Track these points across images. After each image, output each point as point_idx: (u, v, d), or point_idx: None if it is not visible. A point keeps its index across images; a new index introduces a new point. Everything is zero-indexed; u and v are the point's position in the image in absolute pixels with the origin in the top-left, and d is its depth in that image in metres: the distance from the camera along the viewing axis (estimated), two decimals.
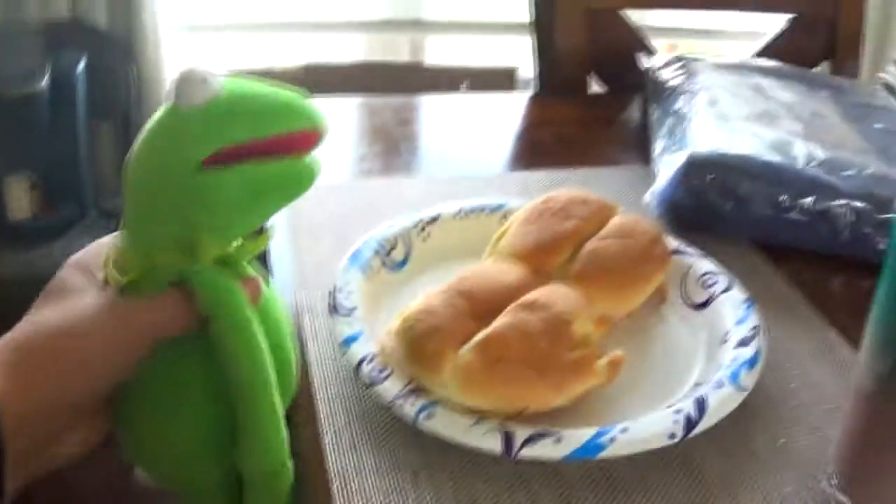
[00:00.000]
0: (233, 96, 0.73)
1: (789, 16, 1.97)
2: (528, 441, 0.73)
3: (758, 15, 2.08)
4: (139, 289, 0.72)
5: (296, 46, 3.25)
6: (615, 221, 0.98)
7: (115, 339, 0.71)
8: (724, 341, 0.90)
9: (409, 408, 0.76)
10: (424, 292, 0.85)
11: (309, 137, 0.75)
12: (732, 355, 0.86)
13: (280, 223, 1.10)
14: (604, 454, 0.74)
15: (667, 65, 1.48)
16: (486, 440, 0.74)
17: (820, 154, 1.18)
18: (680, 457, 0.80)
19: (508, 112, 1.62)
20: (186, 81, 0.72)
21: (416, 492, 0.75)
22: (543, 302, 0.81)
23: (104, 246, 0.76)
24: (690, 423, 0.77)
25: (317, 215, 1.11)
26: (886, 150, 1.27)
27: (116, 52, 2.61)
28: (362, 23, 3.04)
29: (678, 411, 0.78)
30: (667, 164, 1.17)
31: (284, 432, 0.73)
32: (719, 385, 0.81)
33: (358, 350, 0.82)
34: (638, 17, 3.00)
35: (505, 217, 1.03)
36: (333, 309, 0.87)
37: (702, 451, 0.80)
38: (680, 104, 1.32)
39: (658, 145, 1.26)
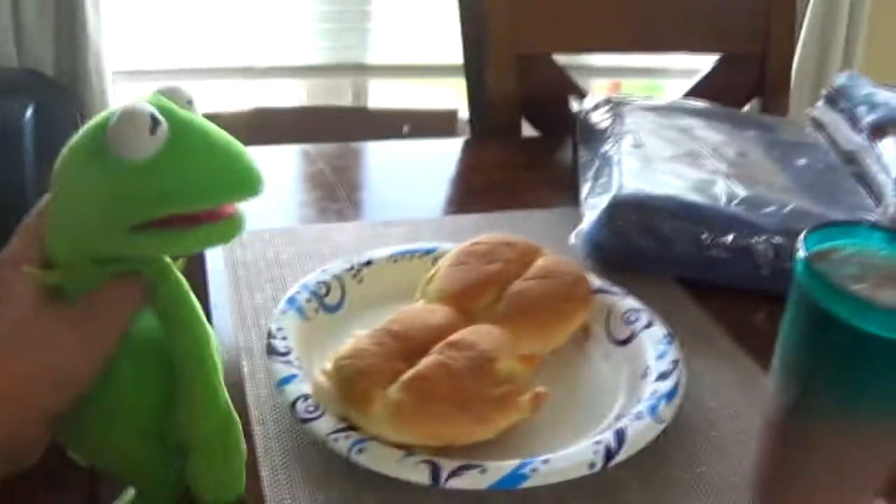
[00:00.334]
0: (177, 156, 0.69)
1: (720, 54, 2.01)
2: (455, 473, 0.76)
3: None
4: (73, 284, 0.73)
5: (243, 91, 3.27)
6: (539, 263, 1.02)
7: (84, 346, 0.73)
8: (645, 375, 0.93)
9: (343, 443, 0.79)
10: (356, 334, 0.89)
11: (244, 201, 0.74)
12: (652, 388, 0.90)
13: (219, 266, 1.13)
14: (526, 484, 0.77)
15: (596, 108, 1.51)
16: (415, 472, 0.77)
17: (741, 192, 1.21)
18: (602, 486, 0.83)
19: (443, 157, 1.65)
20: (128, 128, 0.68)
21: None
22: (469, 341, 0.85)
23: (30, 238, 0.75)
24: (610, 454, 0.80)
25: (257, 260, 1.14)
26: (811, 186, 1.31)
27: (64, 99, 2.62)
28: (308, 67, 3.06)
29: (598, 442, 0.82)
30: (592, 206, 1.20)
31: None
32: (638, 417, 0.85)
33: (293, 390, 0.85)
34: (581, 58, 3.06)
35: (436, 261, 1.07)
36: (270, 351, 0.90)
37: (623, 480, 0.84)
38: (607, 147, 1.35)
39: (585, 187, 1.29)
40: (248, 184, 0.72)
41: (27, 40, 2.58)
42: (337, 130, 2.68)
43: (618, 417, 0.88)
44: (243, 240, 1.16)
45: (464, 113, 2.78)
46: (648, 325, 1.00)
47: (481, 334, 0.87)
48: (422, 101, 3.57)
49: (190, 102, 0.74)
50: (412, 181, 1.49)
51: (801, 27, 3.18)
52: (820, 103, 1.71)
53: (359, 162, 1.59)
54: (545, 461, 0.79)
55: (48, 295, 0.73)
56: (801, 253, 0.69)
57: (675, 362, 0.94)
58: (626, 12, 1.92)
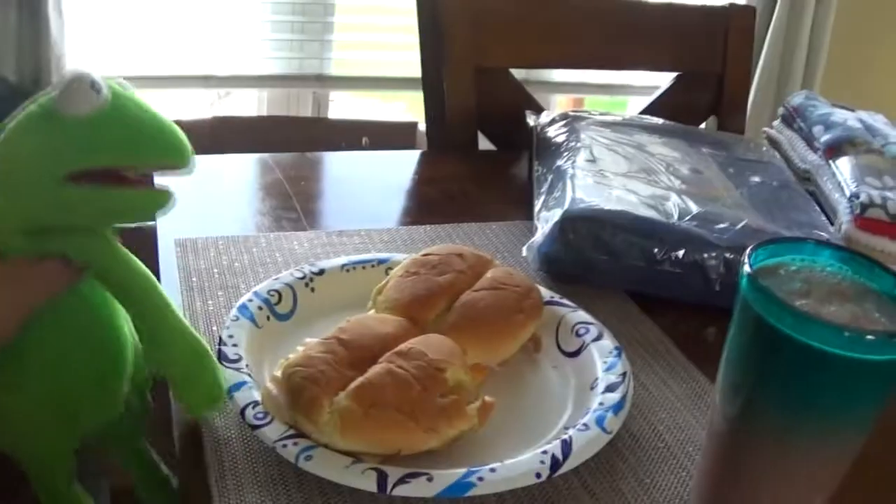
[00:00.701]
0: (116, 115, 0.75)
1: (679, 72, 2.03)
2: (402, 480, 0.77)
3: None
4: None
5: (202, 100, 3.26)
6: (490, 274, 1.03)
7: (10, 299, 0.74)
8: (593, 387, 0.94)
9: (291, 449, 0.79)
10: (307, 342, 0.89)
11: (173, 170, 0.79)
12: (600, 400, 0.91)
13: (173, 274, 1.12)
14: (473, 492, 0.77)
15: (552, 122, 1.52)
16: (362, 480, 0.77)
17: (694, 208, 1.22)
18: (548, 496, 0.83)
19: (400, 169, 1.66)
20: (74, 88, 0.73)
21: None
22: (417, 351, 0.85)
23: None
24: (556, 464, 0.81)
25: (210, 267, 1.14)
26: (765, 203, 1.33)
27: (22, 102, 2.61)
28: (268, 77, 3.05)
29: (545, 452, 0.82)
30: (545, 220, 1.21)
31: None
32: (585, 428, 0.86)
33: (243, 397, 0.85)
34: (544, 73, 3.06)
35: (388, 271, 1.07)
36: (221, 357, 0.90)
37: (570, 490, 0.84)
38: (561, 161, 1.36)
39: (539, 201, 1.30)
40: (177, 151, 0.78)
41: None
42: (296, 141, 2.68)
43: (565, 428, 0.89)
44: (197, 246, 1.16)
45: (423, 126, 2.79)
46: (598, 338, 1.01)
47: (430, 344, 0.87)
48: (382, 113, 3.58)
49: (92, 90, 0.76)
50: (368, 192, 1.50)
51: (762, 46, 3.20)
52: (776, 122, 1.73)
53: (315, 172, 1.59)
54: (492, 470, 0.79)
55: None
56: (747, 268, 0.69)
57: (624, 374, 0.95)
58: (584, 29, 1.93)
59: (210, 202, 1.34)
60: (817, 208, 1.38)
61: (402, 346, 0.86)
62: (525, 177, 1.55)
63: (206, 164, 1.45)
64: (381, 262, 1.11)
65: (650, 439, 0.93)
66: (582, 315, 1.05)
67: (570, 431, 0.86)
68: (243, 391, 0.86)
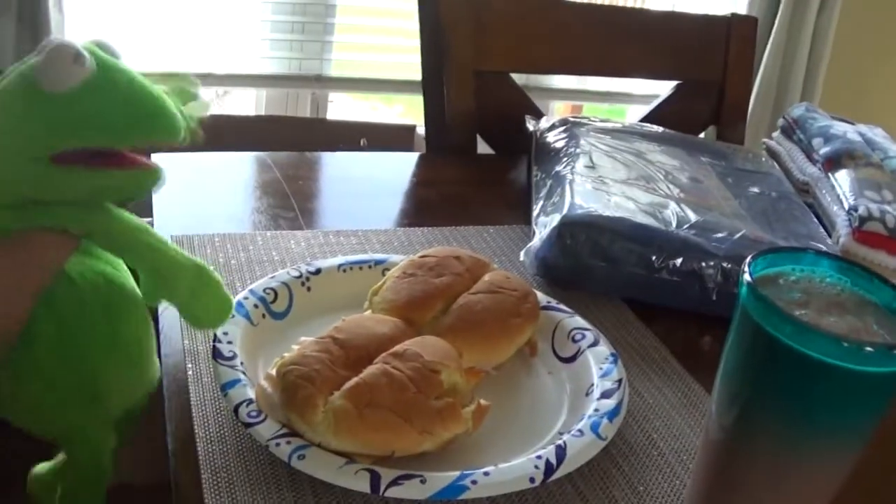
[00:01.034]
0: (100, 91, 0.72)
1: (679, 81, 2.03)
2: (395, 482, 0.76)
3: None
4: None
5: (205, 97, 3.26)
6: (487, 278, 1.02)
7: (17, 278, 0.74)
8: (589, 393, 0.94)
9: (284, 448, 0.79)
10: (302, 341, 0.89)
11: (164, 147, 0.77)
12: (595, 406, 0.91)
13: None
14: (466, 495, 0.77)
15: (552, 128, 1.52)
16: (355, 480, 0.77)
17: (693, 217, 1.22)
18: (542, 501, 0.83)
19: (398, 171, 1.66)
20: (54, 61, 0.70)
21: None
22: (413, 352, 0.85)
23: None
24: (550, 469, 0.81)
25: (207, 264, 1.14)
26: (763, 214, 1.32)
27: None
28: (268, 76, 3.05)
29: (539, 457, 0.82)
30: (543, 225, 1.21)
31: None
32: (580, 434, 0.85)
33: (237, 394, 0.84)
34: (543, 79, 3.07)
35: (385, 272, 1.07)
36: (215, 355, 0.90)
37: (563, 496, 0.84)
38: (560, 167, 1.36)
39: (537, 206, 1.30)
40: (167, 129, 0.76)
41: None
42: (294, 141, 2.67)
43: (560, 433, 0.88)
44: (194, 244, 1.16)
45: (422, 129, 2.79)
46: (594, 344, 1.01)
47: (426, 346, 0.87)
48: (380, 117, 3.58)
49: (115, 56, 0.77)
50: (366, 193, 1.49)
51: (762, 56, 3.20)
52: (776, 133, 1.73)
53: (314, 172, 1.59)
54: (486, 473, 0.79)
55: None
56: (747, 276, 0.69)
57: (619, 381, 0.94)
58: (585, 35, 1.93)
59: (207, 199, 1.33)
60: (815, 220, 1.38)
61: (398, 348, 0.86)
62: (523, 181, 1.55)
63: (204, 162, 1.46)
64: (377, 262, 1.11)
65: (644, 447, 0.93)
66: (578, 321, 1.05)
67: (565, 437, 0.85)
68: (237, 389, 0.85)
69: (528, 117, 1.63)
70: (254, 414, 0.82)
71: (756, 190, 1.43)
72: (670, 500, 0.86)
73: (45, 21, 2.53)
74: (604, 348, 1.00)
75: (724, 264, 1.15)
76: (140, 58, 2.82)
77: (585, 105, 3.63)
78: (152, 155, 0.84)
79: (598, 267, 1.16)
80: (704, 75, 2.04)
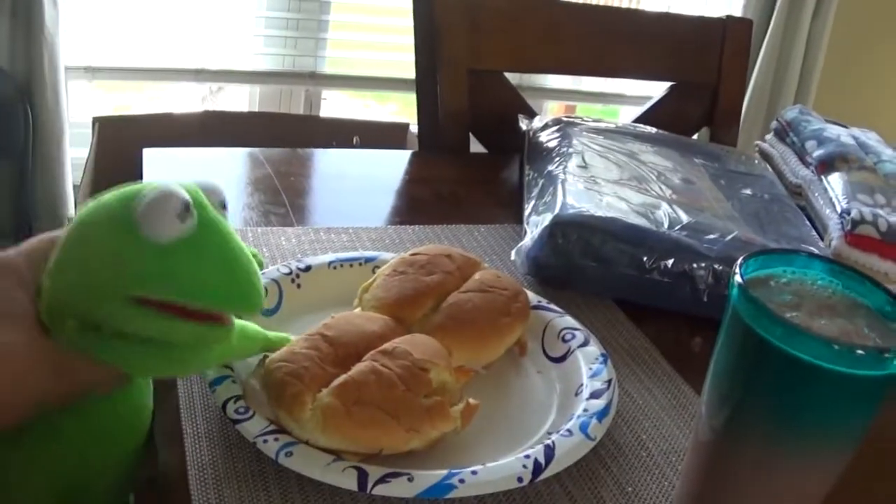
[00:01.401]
0: (195, 252, 0.73)
1: (673, 82, 2.03)
2: (382, 480, 0.76)
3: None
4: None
5: (195, 94, 3.26)
6: (478, 276, 1.02)
7: (54, 389, 0.74)
8: (578, 393, 0.94)
9: (272, 445, 0.79)
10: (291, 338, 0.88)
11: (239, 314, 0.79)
12: (584, 406, 0.90)
13: None
14: (454, 494, 0.77)
15: (544, 127, 1.52)
16: (342, 478, 0.76)
17: (685, 218, 1.22)
18: (530, 501, 0.83)
19: (390, 168, 1.66)
20: (162, 211, 0.70)
21: None
22: (402, 350, 0.85)
23: (37, 254, 0.77)
24: (538, 469, 0.80)
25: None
26: (756, 216, 1.32)
27: (14, 92, 2.60)
28: (261, 73, 3.05)
29: (527, 456, 0.81)
30: (534, 224, 1.20)
31: None
32: (569, 434, 0.85)
33: (225, 391, 0.84)
34: (537, 78, 3.07)
35: (375, 269, 1.06)
36: None
37: (551, 496, 0.84)
38: (552, 166, 1.36)
39: (529, 205, 1.30)
40: (248, 301, 0.77)
41: None
42: (287, 138, 2.68)
43: (549, 433, 0.88)
44: None
45: (415, 127, 2.80)
46: (584, 344, 1.00)
47: (416, 344, 0.87)
48: (373, 114, 3.58)
49: (223, 205, 0.78)
50: (357, 190, 1.49)
51: (756, 59, 3.20)
52: (769, 136, 1.73)
53: (305, 168, 1.59)
54: (474, 472, 0.79)
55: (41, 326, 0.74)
56: (738, 278, 0.69)
57: (609, 382, 0.94)
58: (580, 34, 1.93)
59: None
60: (808, 223, 1.38)
61: (387, 345, 0.86)
62: (516, 180, 1.55)
63: (195, 157, 1.46)
64: (368, 260, 1.11)
65: (633, 447, 0.92)
66: (569, 321, 1.05)
67: (554, 437, 0.85)
68: (225, 385, 0.85)
69: (521, 116, 1.63)
70: (242, 410, 0.82)
71: (748, 192, 1.43)
72: (659, 502, 0.85)
73: (39, 16, 2.53)
74: (594, 348, 1.00)
75: (716, 266, 1.15)
76: (133, 53, 2.83)
77: (579, 105, 3.64)
78: None
79: (589, 267, 1.16)
80: (698, 77, 2.04)
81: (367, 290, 1.00)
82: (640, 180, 1.34)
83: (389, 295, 0.97)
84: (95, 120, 2.55)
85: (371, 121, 2.96)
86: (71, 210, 2.71)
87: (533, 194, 1.32)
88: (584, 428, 0.86)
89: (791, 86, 3.27)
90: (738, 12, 3.18)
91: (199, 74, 2.96)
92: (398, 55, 3.11)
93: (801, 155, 1.60)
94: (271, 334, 0.88)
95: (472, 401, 0.85)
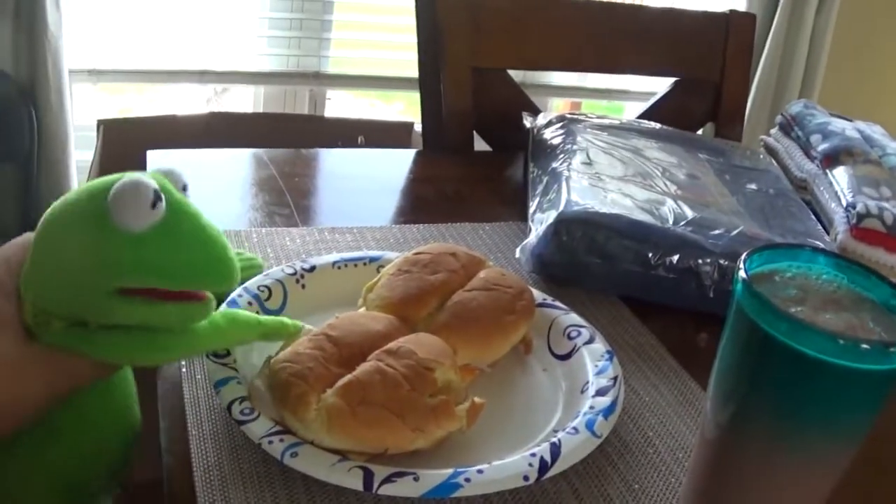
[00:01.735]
0: (169, 235, 0.74)
1: (677, 78, 2.02)
2: (388, 479, 0.76)
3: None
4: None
5: (200, 95, 3.26)
6: (482, 275, 1.02)
7: (45, 389, 0.75)
8: (584, 391, 0.93)
9: (277, 445, 0.79)
10: (295, 338, 0.88)
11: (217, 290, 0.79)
12: (590, 404, 0.90)
13: None
14: (460, 493, 0.77)
15: (549, 124, 1.51)
16: (348, 478, 0.76)
17: (690, 214, 1.22)
18: (536, 499, 0.83)
19: (395, 167, 1.65)
20: (134, 202, 0.71)
21: None
22: (407, 349, 0.84)
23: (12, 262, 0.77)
24: (544, 467, 0.80)
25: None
26: (761, 211, 1.32)
27: (18, 95, 2.60)
28: (265, 73, 3.05)
29: (533, 455, 0.81)
30: (539, 222, 1.20)
31: None
32: (575, 432, 0.85)
33: (230, 392, 0.84)
34: (541, 76, 3.07)
35: (380, 269, 1.06)
36: (208, 353, 0.89)
37: (557, 494, 0.84)
38: (557, 163, 1.35)
39: (533, 203, 1.30)
40: (226, 277, 0.78)
41: None
42: (292, 138, 2.68)
43: (555, 431, 0.88)
44: None
45: (420, 126, 2.79)
46: (589, 341, 1.00)
47: (420, 343, 0.87)
48: (379, 114, 3.58)
49: (185, 188, 0.79)
50: (362, 190, 1.49)
51: (761, 54, 3.20)
52: (774, 130, 1.72)
53: (310, 168, 1.59)
54: (479, 471, 0.78)
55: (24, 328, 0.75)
56: (742, 273, 0.68)
57: (615, 379, 0.94)
58: (583, 31, 1.92)
59: (202, 196, 1.32)
60: (813, 217, 1.38)
61: (392, 345, 0.85)
62: (520, 178, 1.55)
63: (200, 158, 1.45)
64: (372, 260, 1.11)
65: (640, 444, 0.92)
66: (574, 318, 1.04)
67: (560, 434, 0.85)
68: (231, 386, 0.85)
69: (525, 114, 1.63)
70: (247, 411, 0.82)
71: (753, 187, 1.42)
72: (666, 498, 0.85)
73: (42, 19, 2.53)
74: (599, 345, 0.99)
75: (721, 261, 1.15)
76: (137, 56, 2.83)
77: (584, 102, 3.63)
78: None
79: (594, 264, 1.15)
80: (702, 72, 2.04)
81: (371, 289, 1.00)
82: (645, 176, 1.34)
83: (394, 294, 0.97)
84: (100, 122, 2.55)
85: (376, 120, 2.96)
86: None
87: (537, 192, 1.31)
88: (590, 425, 0.86)
89: (796, 81, 3.26)
90: (741, 8, 3.18)
91: (203, 76, 2.96)
92: (402, 54, 3.11)
93: (806, 149, 1.59)
94: (265, 318, 0.90)
95: (477, 399, 0.85)
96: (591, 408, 0.89)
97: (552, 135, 1.47)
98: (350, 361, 0.84)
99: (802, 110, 1.69)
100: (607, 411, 0.88)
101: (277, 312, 1.00)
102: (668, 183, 1.33)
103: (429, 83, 1.80)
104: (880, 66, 3.54)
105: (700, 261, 1.15)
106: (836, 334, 0.62)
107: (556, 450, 0.82)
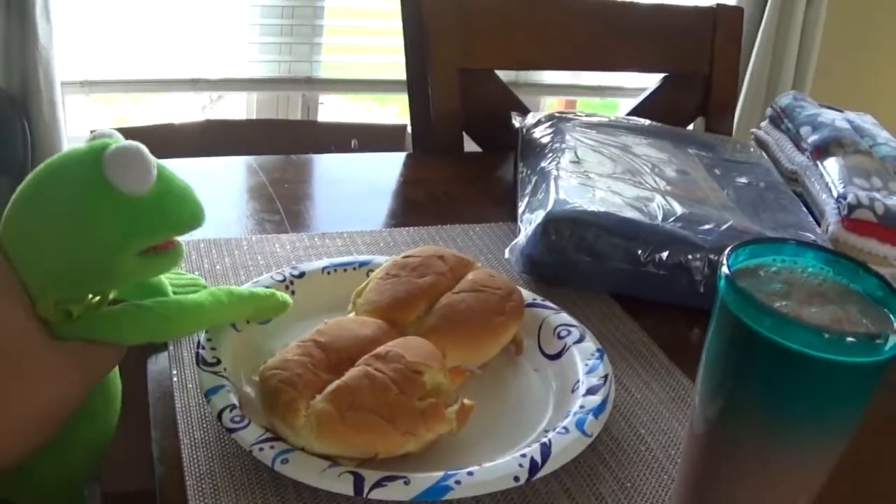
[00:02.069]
0: (166, 190, 0.79)
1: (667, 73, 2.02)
2: (378, 484, 0.76)
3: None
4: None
5: (194, 103, 3.26)
6: (470, 276, 1.02)
7: (80, 380, 0.78)
8: (574, 390, 0.93)
9: (268, 452, 0.79)
10: (285, 345, 0.88)
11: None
12: (580, 403, 0.90)
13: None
14: (451, 495, 0.77)
15: (537, 123, 1.51)
16: (339, 483, 0.76)
17: (679, 210, 1.22)
18: (527, 499, 0.83)
19: (384, 171, 1.65)
20: (135, 166, 0.76)
21: None
22: (395, 353, 0.84)
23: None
24: (534, 467, 0.80)
25: (192, 270, 1.13)
26: (751, 204, 1.32)
27: (10, 107, 2.60)
28: (258, 80, 3.05)
29: (523, 455, 0.81)
30: (528, 221, 1.20)
31: None
32: (565, 431, 0.85)
33: (220, 400, 0.84)
34: (534, 74, 3.06)
35: (369, 273, 1.06)
36: (199, 361, 0.89)
37: (549, 494, 0.84)
38: (545, 162, 1.35)
39: (522, 203, 1.30)
40: (200, 216, 0.83)
41: None
42: (286, 144, 2.68)
43: (545, 431, 0.88)
44: None
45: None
46: (580, 340, 1.00)
47: (409, 347, 0.87)
48: (374, 117, 3.58)
49: (149, 167, 0.80)
50: (352, 194, 1.49)
51: (752, 48, 3.19)
52: (764, 122, 1.72)
53: (300, 174, 1.59)
54: (470, 473, 0.79)
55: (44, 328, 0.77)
56: (725, 269, 0.68)
57: (605, 377, 0.94)
58: (571, 29, 1.92)
59: None
60: (804, 209, 1.38)
61: (380, 349, 0.86)
62: (510, 178, 1.55)
63: (190, 167, 1.45)
64: (361, 264, 1.11)
65: (632, 442, 0.92)
66: (564, 317, 1.04)
67: (550, 434, 0.85)
68: (221, 394, 0.85)
69: (513, 114, 1.63)
70: (237, 419, 0.82)
71: (744, 180, 1.42)
72: (658, 496, 0.85)
73: (33, 32, 2.52)
74: (590, 344, 0.99)
75: (711, 256, 1.15)
76: (129, 65, 2.83)
77: (578, 100, 3.63)
78: None
79: (583, 262, 1.15)
80: (691, 67, 2.04)
81: (360, 294, 1.00)
82: (634, 173, 1.34)
83: (382, 298, 0.97)
84: (93, 133, 2.55)
85: (369, 123, 2.97)
86: None
87: (527, 191, 1.31)
88: (580, 425, 0.86)
89: (788, 75, 3.26)
90: (731, 1, 3.18)
91: (196, 84, 2.96)
92: (393, 57, 3.11)
93: (797, 141, 1.60)
94: (257, 290, 0.95)
95: (467, 402, 0.85)
96: (582, 407, 0.89)
97: (541, 134, 1.47)
98: (339, 367, 0.84)
99: (792, 102, 1.69)
100: (598, 410, 0.88)
101: (267, 319, 1.00)
102: (657, 179, 1.33)
103: (416, 85, 1.80)
104: (872, 59, 3.53)
105: (690, 256, 1.15)
106: (821, 328, 0.62)
107: (546, 450, 0.82)
